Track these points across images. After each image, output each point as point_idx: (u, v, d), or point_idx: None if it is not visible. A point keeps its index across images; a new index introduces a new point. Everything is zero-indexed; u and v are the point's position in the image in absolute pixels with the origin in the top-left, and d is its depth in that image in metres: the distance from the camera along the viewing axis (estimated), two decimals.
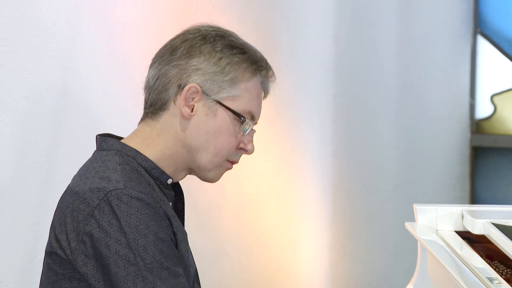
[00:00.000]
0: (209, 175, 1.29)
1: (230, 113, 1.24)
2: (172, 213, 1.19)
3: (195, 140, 1.26)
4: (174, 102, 1.26)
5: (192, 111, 1.24)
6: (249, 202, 2.86)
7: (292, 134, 3.07)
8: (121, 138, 1.35)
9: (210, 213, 2.64)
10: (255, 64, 1.28)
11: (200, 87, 1.24)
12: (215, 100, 1.24)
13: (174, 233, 1.15)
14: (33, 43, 2.42)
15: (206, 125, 1.24)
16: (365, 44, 3.47)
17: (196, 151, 1.27)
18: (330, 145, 3.26)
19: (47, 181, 2.62)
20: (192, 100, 1.24)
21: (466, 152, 3.72)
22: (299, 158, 3.13)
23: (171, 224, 1.19)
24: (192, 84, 1.24)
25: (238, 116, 1.25)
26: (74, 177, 1.31)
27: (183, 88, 1.24)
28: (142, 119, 1.33)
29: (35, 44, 2.44)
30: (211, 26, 1.31)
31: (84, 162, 2.19)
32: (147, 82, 1.32)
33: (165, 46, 1.34)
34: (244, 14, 2.88)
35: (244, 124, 1.25)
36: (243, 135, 1.27)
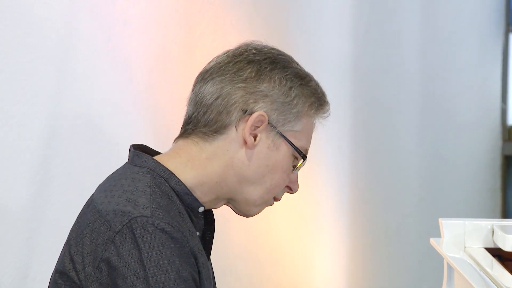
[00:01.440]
0: (253, 210, 1.30)
1: (291, 149, 1.26)
2: (199, 247, 1.19)
3: (252, 172, 1.27)
4: (235, 127, 1.25)
5: (254, 140, 1.24)
6: (259, 215, 2.85)
7: None
8: (156, 151, 1.34)
9: (217, 227, 2.64)
10: (320, 100, 1.29)
11: (267, 116, 1.24)
12: (279, 133, 1.25)
13: (199, 272, 1.15)
14: (25, 43, 2.43)
15: (266, 158, 1.25)
16: (385, 43, 3.48)
17: (249, 184, 1.28)
18: (347, 153, 3.26)
19: (40, 193, 2.63)
20: (255, 129, 1.24)
21: (497, 162, 3.71)
22: (314, 167, 3.13)
23: (197, 262, 1.19)
24: (261, 112, 1.23)
25: (301, 154, 1.26)
26: (99, 189, 1.29)
27: (249, 114, 1.24)
28: (186, 137, 1.30)
29: (28, 44, 2.46)
30: (273, 48, 1.31)
31: (79, 171, 2.19)
32: (201, 98, 1.27)
33: (226, 62, 1.30)
34: (253, 11, 2.89)
35: (302, 163, 1.28)
36: (292, 172, 1.29)
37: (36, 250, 2.58)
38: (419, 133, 3.56)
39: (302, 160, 1.27)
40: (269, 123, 1.21)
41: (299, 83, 1.25)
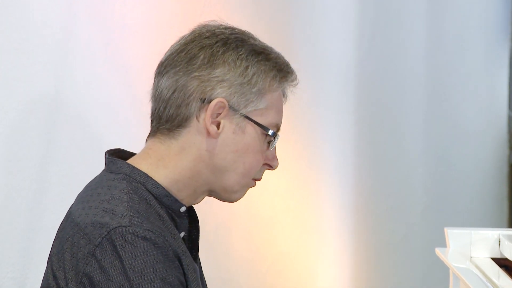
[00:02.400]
0: (234, 197, 1.28)
1: (258, 129, 1.24)
2: (183, 249, 1.18)
3: (222, 160, 1.25)
4: (197, 118, 1.25)
5: (218, 128, 1.24)
6: (262, 225, 2.86)
7: (309, 149, 3.08)
8: (133, 154, 1.34)
9: (218, 237, 2.65)
10: (281, 71, 1.27)
11: (227, 101, 1.24)
12: (243, 115, 1.24)
13: (185, 274, 1.15)
14: (22, 48, 2.44)
15: (234, 144, 1.24)
16: (390, 49, 3.48)
17: (222, 172, 1.26)
18: (351, 162, 3.26)
19: (37, 202, 2.63)
20: (217, 116, 1.23)
21: (504, 170, 3.71)
22: (317, 175, 3.13)
23: (181, 264, 1.18)
24: (220, 99, 1.22)
25: (269, 131, 1.25)
26: (77, 199, 1.29)
27: (208, 102, 1.23)
28: (153, 135, 1.30)
29: (25, 49, 2.47)
30: (226, 28, 1.29)
31: (77, 179, 2.19)
32: (160, 93, 1.28)
33: (178, 52, 1.30)
34: (256, 14, 2.90)
35: (274, 139, 1.27)
36: (268, 149, 1.28)
37: (33, 261, 2.58)
38: (425, 140, 3.56)
39: (276, 136, 1.26)
40: (230, 107, 1.21)
41: (255, 60, 1.23)
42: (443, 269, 2.05)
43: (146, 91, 2.96)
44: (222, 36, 1.27)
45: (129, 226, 1.11)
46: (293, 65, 1.34)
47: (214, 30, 1.30)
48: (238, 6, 2.94)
